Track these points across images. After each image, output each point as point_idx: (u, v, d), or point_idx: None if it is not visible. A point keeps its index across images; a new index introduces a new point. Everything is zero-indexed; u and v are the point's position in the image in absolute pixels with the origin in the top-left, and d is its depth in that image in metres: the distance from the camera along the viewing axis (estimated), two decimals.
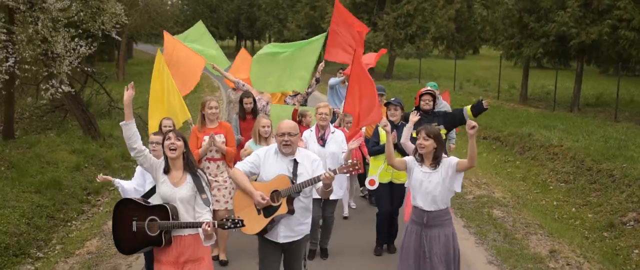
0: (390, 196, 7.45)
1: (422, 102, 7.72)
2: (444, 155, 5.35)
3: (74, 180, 10.68)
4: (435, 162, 5.26)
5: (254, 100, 8.54)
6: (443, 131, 7.63)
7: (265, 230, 5.08)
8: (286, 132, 5.05)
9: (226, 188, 7.20)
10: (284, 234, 5.13)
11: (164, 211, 4.79)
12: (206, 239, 4.76)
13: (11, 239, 7.92)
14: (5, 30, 9.61)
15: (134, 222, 4.89)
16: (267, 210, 5.02)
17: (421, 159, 5.34)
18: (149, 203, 5.01)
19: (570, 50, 19.55)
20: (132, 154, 4.87)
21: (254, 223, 5.05)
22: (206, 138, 7.03)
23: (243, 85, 9.65)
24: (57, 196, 9.79)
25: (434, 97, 7.78)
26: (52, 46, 10.06)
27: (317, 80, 9.77)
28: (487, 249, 7.97)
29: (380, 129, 7.24)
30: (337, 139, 7.13)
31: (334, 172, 4.87)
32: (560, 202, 11.11)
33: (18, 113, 13.34)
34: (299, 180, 5.02)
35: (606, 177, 11.20)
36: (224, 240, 7.35)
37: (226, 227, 4.65)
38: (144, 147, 4.89)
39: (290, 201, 5.01)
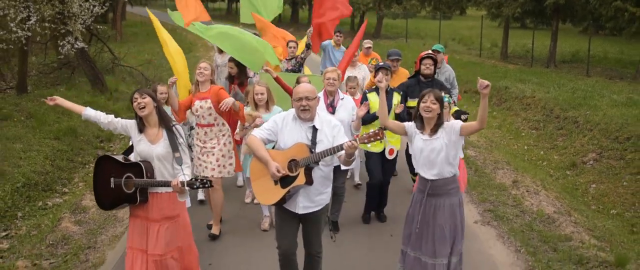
0: (382, 166, 7.16)
1: (422, 67, 7.44)
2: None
3: (87, 129, 11.66)
4: (436, 128, 4.95)
5: (238, 64, 8.39)
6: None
7: (283, 200, 4.83)
8: (304, 96, 4.72)
9: (214, 155, 6.82)
10: (303, 205, 4.87)
11: (138, 169, 4.76)
12: (179, 195, 4.87)
13: (39, 177, 8.94)
14: None
15: (112, 179, 4.88)
16: (284, 181, 4.75)
17: (421, 125, 5.03)
18: (128, 160, 4.93)
19: (546, 10, 20.55)
20: (103, 127, 5.01)
21: (271, 193, 4.82)
22: (197, 102, 6.72)
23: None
24: (74, 142, 10.80)
25: (435, 61, 7.48)
26: (69, 6, 10.94)
27: (309, 46, 9.42)
28: None
29: (369, 95, 6.93)
30: (346, 105, 6.67)
31: (355, 141, 4.53)
32: (530, 147, 12.27)
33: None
34: (319, 147, 4.70)
35: (571, 123, 12.37)
36: (218, 213, 7.05)
37: (195, 187, 4.62)
38: (109, 120, 4.95)
39: (308, 171, 4.71)
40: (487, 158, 10.51)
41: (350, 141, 4.45)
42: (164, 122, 4.89)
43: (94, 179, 5.06)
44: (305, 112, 4.75)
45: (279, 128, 4.87)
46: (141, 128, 4.84)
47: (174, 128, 4.90)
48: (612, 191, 9.64)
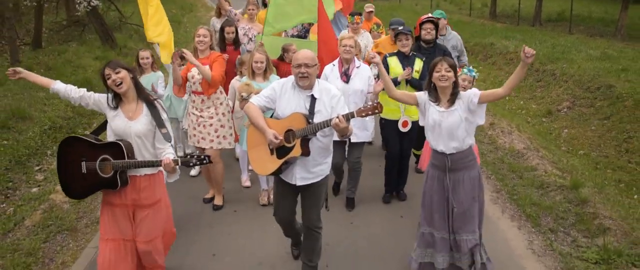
0: (401, 136, 6.73)
1: (423, 31, 7.00)
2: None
3: (101, 82, 12.59)
4: (453, 98, 4.67)
5: (236, 30, 8.12)
6: None
7: (279, 171, 4.68)
8: (302, 62, 4.50)
9: (211, 125, 6.56)
10: (300, 176, 4.70)
11: (117, 149, 4.22)
12: (170, 175, 4.43)
13: (63, 121, 9.90)
14: None
15: (84, 163, 4.33)
16: (280, 151, 4.61)
17: (436, 97, 4.73)
18: (100, 141, 4.36)
19: None
20: (74, 103, 4.51)
21: (267, 163, 4.68)
22: (194, 69, 6.45)
23: (235, 15, 9.03)
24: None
25: (437, 26, 7.05)
26: None
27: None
28: None
29: (389, 60, 6.54)
30: (362, 75, 6.37)
31: (351, 115, 4.36)
32: (511, 97, 13.24)
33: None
34: (317, 118, 4.51)
35: (549, 75, 13.33)
36: (220, 184, 6.89)
37: (191, 164, 4.30)
38: (80, 94, 4.45)
39: (304, 143, 4.52)
40: None
41: (337, 117, 4.28)
42: (143, 94, 4.40)
43: (59, 164, 4.48)
44: (303, 80, 4.55)
45: (277, 95, 4.67)
46: (117, 104, 4.35)
47: (156, 103, 4.44)
48: (582, 135, 10.64)
